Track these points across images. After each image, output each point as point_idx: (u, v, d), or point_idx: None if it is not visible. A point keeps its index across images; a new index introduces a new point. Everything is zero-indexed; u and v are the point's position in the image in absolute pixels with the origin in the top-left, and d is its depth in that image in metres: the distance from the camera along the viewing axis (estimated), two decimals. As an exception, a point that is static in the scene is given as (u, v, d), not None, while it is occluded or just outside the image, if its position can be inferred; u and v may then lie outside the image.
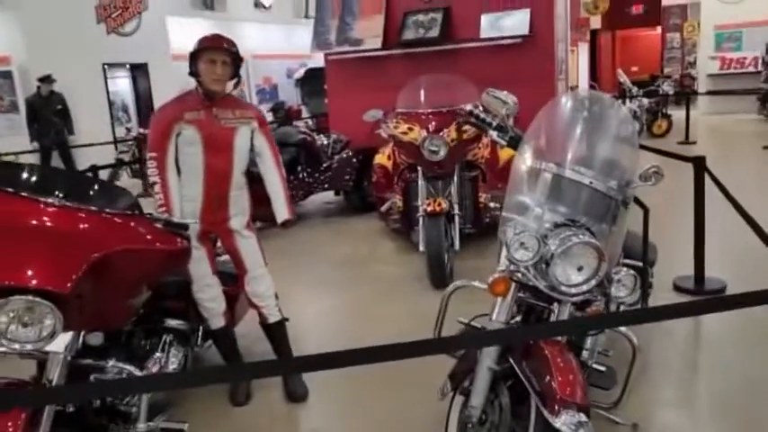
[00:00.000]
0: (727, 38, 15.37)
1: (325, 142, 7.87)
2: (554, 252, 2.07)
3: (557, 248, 2.07)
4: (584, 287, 2.11)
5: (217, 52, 2.82)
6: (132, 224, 2.30)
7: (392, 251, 5.70)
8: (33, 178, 2.30)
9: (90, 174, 7.66)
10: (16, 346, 2.02)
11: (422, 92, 5.29)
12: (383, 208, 5.53)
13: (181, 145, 2.86)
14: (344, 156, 7.35)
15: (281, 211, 3.06)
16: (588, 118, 2.31)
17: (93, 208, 2.25)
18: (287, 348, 3.24)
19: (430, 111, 5.06)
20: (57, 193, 2.25)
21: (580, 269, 2.10)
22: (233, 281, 3.22)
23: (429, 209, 4.53)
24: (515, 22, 6.99)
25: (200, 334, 3.15)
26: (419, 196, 4.82)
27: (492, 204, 5.19)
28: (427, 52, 7.42)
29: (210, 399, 3.11)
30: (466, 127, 4.87)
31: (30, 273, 2.00)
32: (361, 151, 7.32)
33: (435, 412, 2.70)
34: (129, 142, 9.91)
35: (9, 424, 1.93)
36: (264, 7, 13.35)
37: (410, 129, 4.99)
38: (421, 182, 4.87)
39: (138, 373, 2.35)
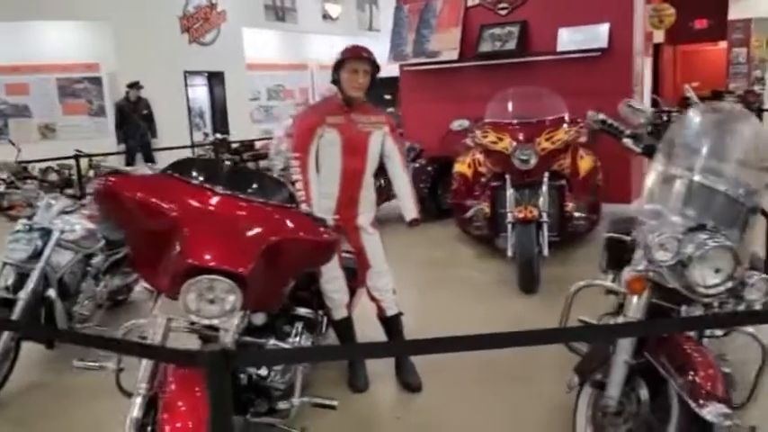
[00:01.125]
0: (797, 54, 15.08)
1: (400, 150, 8.09)
2: (692, 255, 2.22)
3: (695, 251, 2.22)
4: (721, 288, 2.26)
5: (359, 62, 3.08)
6: (293, 216, 2.57)
7: (473, 256, 5.88)
8: (212, 172, 2.57)
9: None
10: (205, 321, 2.28)
11: (510, 103, 5.48)
12: (468, 214, 5.71)
13: (322, 146, 3.12)
14: (420, 164, 7.58)
15: (410, 211, 3.29)
16: (721, 128, 2.46)
17: (263, 200, 2.53)
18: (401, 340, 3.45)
19: (519, 121, 5.24)
20: (232, 185, 2.52)
21: (717, 271, 2.25)
22: (352, 275, 3.46)
23: (521, 216, 4.70)
24: (594, 36, 7.11)
25: (324, 323, 3.39)
26: (507, 204, 5.00)
27: (576, 214, 5.33)
28: (503, 64, 7.59)
29: (330, 386, 3.33)
30: (556, 137, 5.05)
31: (217, 255, 2.26)
32: (436, 160, 7.54)
33: (550, 405, 2.89)
34: (207, 147, 10.34)
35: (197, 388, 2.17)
36: (332, 19, 13.74)
37: (500, 138, 5.18)
38: (509, 190, 5.04)
39: (293, 352, 2.58)
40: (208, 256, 2.26)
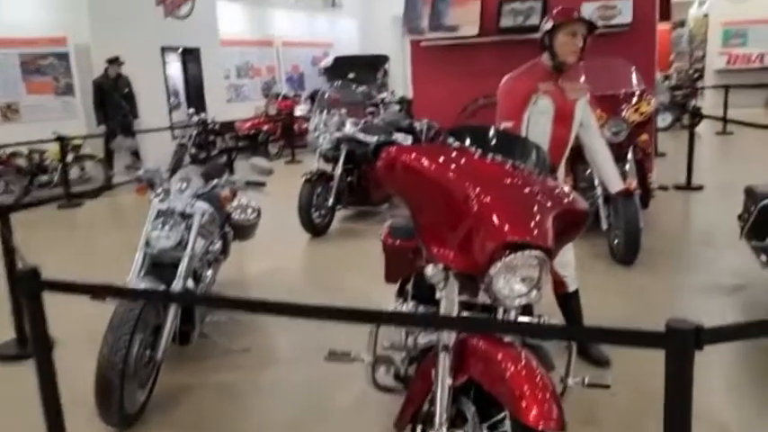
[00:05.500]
0: (734, 34, 16.07)
1: (419, 128, 7.92)
2: None
3: None
4: None
5: (578, 24, 2.90)
6: (558, 186, 2.40)
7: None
8: (484, 139, 2.35)
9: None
10: (518, 300, 2.09)
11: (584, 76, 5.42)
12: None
13: (534, 114, 2.94)
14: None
15: (615, 182, 3.18)
16: None
17: (537, 170, 2.35)
18: (580, 317, 3.35)
19: (602, 94, 5.21)
20: (503, 152, 2.31)
21: None
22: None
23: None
24: (618, 11, 7.20)
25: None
26: (596, 177, 4.97)
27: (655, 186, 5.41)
28: (524, 40, 7.54)
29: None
30: (642, 110, 5.06)
31: (528, 230, 2.07)
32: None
33: None
34: (192, 127, 9.74)
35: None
36: (300, -6, 13.27)
37: (583, 111, 5.13)
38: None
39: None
40: (523, 231, 2.07)
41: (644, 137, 5.91)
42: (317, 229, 6.05)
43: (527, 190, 2.21)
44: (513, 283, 2.09)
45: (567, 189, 2.44)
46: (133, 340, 2.70)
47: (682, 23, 17.64)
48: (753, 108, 14.76)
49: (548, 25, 2.96)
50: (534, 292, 2.12)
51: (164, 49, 10.15)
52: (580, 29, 2.92)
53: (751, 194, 3.86)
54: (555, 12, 3.04)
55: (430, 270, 2.18)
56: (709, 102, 15.58)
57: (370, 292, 4.66)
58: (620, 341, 1.65)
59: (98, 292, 2.36)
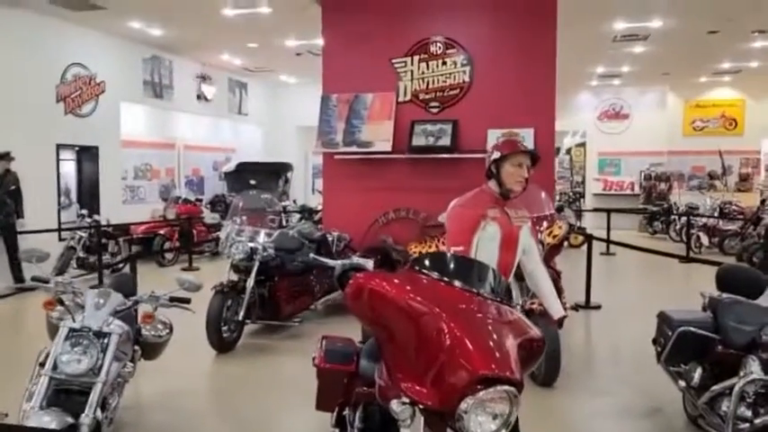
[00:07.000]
0: (609, 163, 17.75)
1: (330, 239, 7.87)
2: None
3: None
4: None
5: (524, 156, 3.01)
6: (516, 314, 2.38)
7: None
8: (442, 265, 2.30)
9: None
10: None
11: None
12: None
13: (482, 240, 2.95)
14: (362, 254, 7.41)
15: (557, 308, 3.19)
16: None
17: (499, 298, 2.32)
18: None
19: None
20: (463, 278, 2.27)
21: None
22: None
23: (541, 307, 4.78)
24: (522, 140, 7.69)
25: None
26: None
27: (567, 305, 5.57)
28: (434, 159, 7.89)
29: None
30: (554, 233, 5.30)
31: (499, 363, 2.01)
32: (375, 250, 7.43)
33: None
34: (84, 229, 9.11)
35: None
36: (206, 100, 13.21)
37: (499, 232, 5.30)
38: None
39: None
40: (495, 365, 2.00)
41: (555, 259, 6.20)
42: (224, 345, 5.66)
43: (494, 321, 2.17)
44: (483, 419, 1.98)
45: (524, 317, 2.42)
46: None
47: (557, 150, 19.24)
48: (628, 230, 16.07)
49: (495, 155, 3.05)
50: (504, 431, 2.02)
51: (59, 147, 9.60)
52: (525, 160, 3.04)
53: (666, 320, 4.00)
54: (502, 142, 3.16)
55: (397, 406, 2.03)
56: (589, 222, 16.80)
57: (287, 420, 4.34)
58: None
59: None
